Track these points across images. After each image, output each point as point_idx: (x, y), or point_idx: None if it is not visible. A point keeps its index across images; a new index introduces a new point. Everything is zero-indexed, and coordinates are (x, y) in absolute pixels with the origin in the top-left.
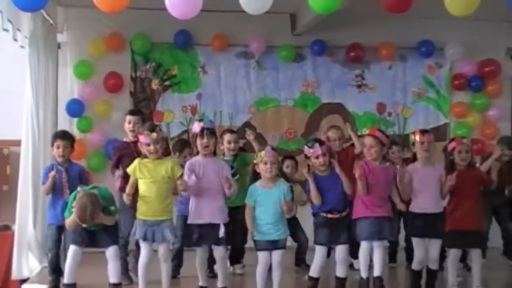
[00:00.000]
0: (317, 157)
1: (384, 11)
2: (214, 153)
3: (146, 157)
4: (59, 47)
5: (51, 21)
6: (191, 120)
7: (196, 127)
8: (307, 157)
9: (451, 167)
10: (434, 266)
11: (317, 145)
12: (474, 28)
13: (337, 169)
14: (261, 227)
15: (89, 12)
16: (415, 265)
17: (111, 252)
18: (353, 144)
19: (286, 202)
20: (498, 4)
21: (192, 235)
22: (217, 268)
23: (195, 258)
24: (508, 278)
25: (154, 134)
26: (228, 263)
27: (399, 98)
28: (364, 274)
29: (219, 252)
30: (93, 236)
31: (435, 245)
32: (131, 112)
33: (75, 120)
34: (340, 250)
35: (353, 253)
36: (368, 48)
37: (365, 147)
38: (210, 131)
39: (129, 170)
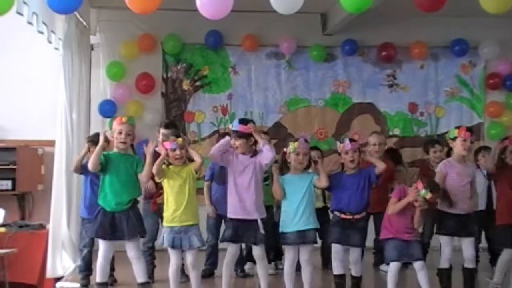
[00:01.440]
0: (346, 153)
1: (417, 9)
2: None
3: (169, 165)
4: (92, 49)
5: (84, 23)
6: (221, 121)
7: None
8: (339, 154)
9: (501, 164)
10: (471, 264)
11: (347, 140)
12: (509, 26)
13: (367, 157)
14: (287, 216)
15: (121, 14)
16: (443, 263)
17: (132, 252)
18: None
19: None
20: None
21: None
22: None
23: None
24: None
25: (180, 140)
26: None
27: (431, 97)
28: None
29: (257, 251)
30: (115, 227)
31: (468, 243)
32: (166, 126)
33: (108, 120)
34: (355, 252)
35: None
36: (399, 47)
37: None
38: (235, 134)
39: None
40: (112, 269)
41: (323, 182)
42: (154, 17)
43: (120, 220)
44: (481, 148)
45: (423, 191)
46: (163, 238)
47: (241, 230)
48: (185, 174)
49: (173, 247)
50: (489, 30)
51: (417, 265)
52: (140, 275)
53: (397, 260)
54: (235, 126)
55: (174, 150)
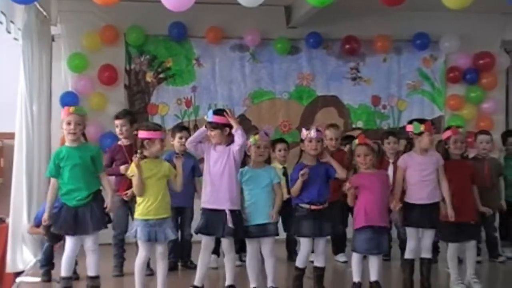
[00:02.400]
0: (310, 141)
1: (380, 3)
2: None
3: (143, 158)
4: (53, 40)
5: (44, 13)
6: (185, 113)
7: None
8: (301, 140)
9: (445, 156)
10: (427, 254)
11: (314, 128)
12: (469, 21)
13: (327, 158)
14: (248, 209)
15: (83, 4)
16: (408, 254)
17: (89, 244)
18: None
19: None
20: None
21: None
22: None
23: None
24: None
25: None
26: None
27: (394, 90)
28: (356, 278)
29: (225, 243)
30: (79, 222)
31: (429, 234)
32: (117, 117)
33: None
34: (321, 242)
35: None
36: (363, 40)
37: (357, 156)
38: (210, 125)
39: (131, 170)
40: (75, 263)
41: (342, 174)
42: (117, 8)
43: (83, 215)
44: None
45: (353, 143)
46: (136, 231)
47: (212, 222)
48: (161, 169)
49: (149, 240)
50: (450, 24)
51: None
52: (91, 268)
53: (364, 253)
54: (210, 117)
55: (162, 141)
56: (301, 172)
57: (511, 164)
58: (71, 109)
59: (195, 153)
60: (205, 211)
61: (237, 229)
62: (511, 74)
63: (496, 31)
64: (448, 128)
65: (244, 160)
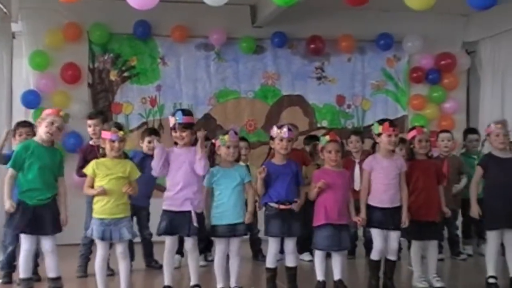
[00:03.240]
0: (281, 140)
1: (344, 3)
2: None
3: (103, 156)
4: (13, 37)
5: (5, 10)
6: (150, 112)
7: (172, 122)
8: (271, 138)
9: (410, 156)
10: (393, 257)
11: (286, 127)
12: (432, 22)
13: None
14: (218, 209)
15: (45, 1)
16: (373, 255)
17: (48, 246)
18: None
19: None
20: None
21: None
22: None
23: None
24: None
25: (121, 132)
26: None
27: (358, 90)
28: (320, 277)
29: (190, 243)
30: (38, 221)
31: (395, 237)
32: (90, 116)
33: (31, 111)
34: (291, 242)
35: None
36: (328, 40)
37: (328, 152)
38: (182, 126)
39: (86, 169)
40: (36, 265)
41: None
42: (79, 5)
43: (42, 215)
44: (401, 141)
45: (322, 139)
46: (92, 229)
47: (176, 222)
48: (120, 170)
49: (103, 239)
50: (413, 25)
51: (338, 253)
52: (51, 270)
53: (325, 249)
54: (180, 118)
55: (113, 141)
56: (258, 170)
57: (471, 161)
58: (61, 113)
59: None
60: (168, 212)
61: (200, 228)
62: (472, 74)
63: (457, 32)
64: (413, 128)
65: (213, 159)
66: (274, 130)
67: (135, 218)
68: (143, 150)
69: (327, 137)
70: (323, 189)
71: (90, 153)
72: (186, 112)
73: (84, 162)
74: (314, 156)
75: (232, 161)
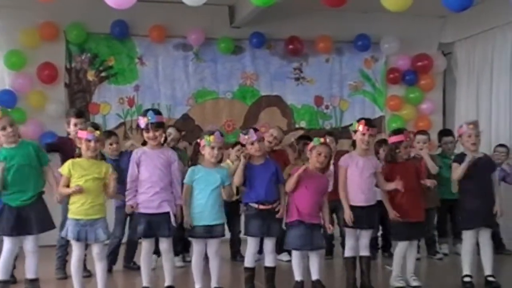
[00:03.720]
0: (252, 143)
1: (322, 4)
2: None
3: (79, 156)
4: None
5: None
6: (128, 112)
7: (142, 123)
8: (243, 145)
9: (392, 159)
10: (366, 252)
11: (251, 131)
12: (408, 23)
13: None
14: (196, 209)
15: (20, 0)
16: (347, 253)
17: (30, 246)
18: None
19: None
20: (431, 0)
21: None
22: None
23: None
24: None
25: (98, 132)
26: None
27: (336, 91)
28: (298, 277)
29: (165, 244)
30: (22, 222)
31: (366, 234)
32: (77, 115)
33: (8, 112)
34: (270, 242)
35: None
36: (306, 41)
37: (317, 154)
38: (155, 125)
39: (62, 169)
40: (13, 267)
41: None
42: (56, 5)
43: (27, 215)
44: (382, 141)
45: (315, 139)
46: (67, 230)
47: (154, 224)
48: (96, 171)
49: (78, 239)
50: (390, 26)
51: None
52: (30, 271)
53: (298, 249)
54: (152, 118)
55: (90, 141)
56: (243, 154)
57: (446, 162)
58: (90, 129)
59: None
60: (145, 215)
61: (179, 228)
62: (448, 75)
63: (433, 33)
64: (400, 132)
65: (196, 158)
66: (242, 137)
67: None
68: (106, 153)
69: (321, 139)
70: (299, 185)
71: (66, 144)
72: (157, 112)
73: (57, 149)
74: (301, 155)
75: (215, 162)
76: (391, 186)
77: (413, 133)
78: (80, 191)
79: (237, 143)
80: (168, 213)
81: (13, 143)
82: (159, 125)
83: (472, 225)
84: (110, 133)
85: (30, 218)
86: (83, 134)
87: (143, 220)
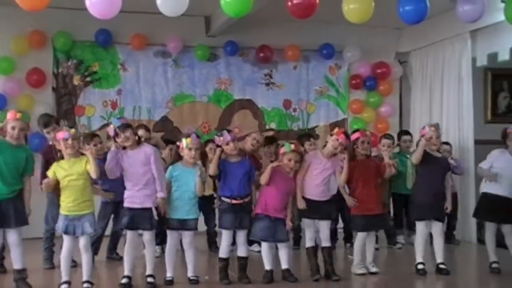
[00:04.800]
0: (227, 144)
1: (290, 16)
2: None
3: (61, 158)
4: None
5: None
6: (111, 114)
7: (110, 131)
8: (218, 145)
9: (353, 156)
10: (327, 243)
11: (225, 132)
12: (369, 34)
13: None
14: (173, 203)
15: (10, 9)
16: (308, 243)
17: (13, 238)
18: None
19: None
20: (389, 13)
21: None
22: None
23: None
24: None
25: (73, 130)
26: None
27: (303, 95)
28: (267, 266)
29: (148, 236)
30: (2, 215)
31: (325, 225)
32: (45, 125)
33: None
34: (242, 234)
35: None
36: (275, 49)
37: (288, 160)
38: (122, 127)
39: (48, 172)
40: (2, 258)
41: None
42: (44, 14)
43: (6, 208)
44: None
45: (286, 146)
46: (58, 224)
47: (137, 218)
48: (78, 169)
49: (66, 232)
50: (352, 37)
51: (283, 245)
52: (17, 262)
53: (261, 239)
54: (116, 123)
55: (66, 139)
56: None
57: (403, 159)
58: (18, 115)
59: (118, 173)
60: (130, 209)
61: (161, 221)
62: (404, 82)
63: (391, 44)
64: (356, 130)
65: (179, 159)
66: (217, 139)
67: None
68: (93, 154)
69: (292, 146)
70: (271, 182)
71: (50, 153)
72: (119, 118)
73: (47, 165)
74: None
75: (193, 162)
76: (346, 197)
77: (379, 135)
78: (50, 183)
79: (209, 140)
80: (150, 208)
81: (13, 142)
82: (126, 126)
83: (424, 217)
84: (93, 135)
85: (9, 212)
86: (59, 135)
87: (127, 213)
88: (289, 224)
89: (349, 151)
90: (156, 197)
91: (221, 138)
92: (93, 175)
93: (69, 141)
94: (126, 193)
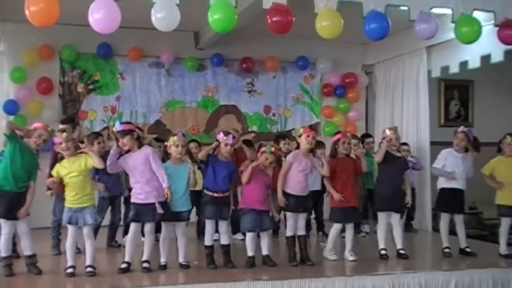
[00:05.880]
0: (226, 145)
1: (270, 31)
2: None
3: (62, 158)
4: None
5: None
6: (111, 118)
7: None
8: (218, 141)
9: (334, 154)
10: (302, 232)
11: (231, 136)
12: (339, 48)
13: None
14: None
15: (23, 26)
16: (288, 233)
17: (23, 228)
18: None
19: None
20: (356, 30)
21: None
22: (145, 241)
23: None
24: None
25: (64, 134)
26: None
27: (281, 101)
28: (250, 253)
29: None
30: (14, 208)
31: (302, 217)
32: (61, 121)
33: (11, 117)
34: (223, 224)
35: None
36: (257, 61)
37: (265, 159)
38: (121, 133)
39: (53, 173)
40: (14, 244)
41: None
42: (52, 30)
43: (15, 201)
44: (318, 142)
45: (267, 147)
46: (64, 215)
47: (142, 212)
48: (78, 165)
49: (69, 223)
50: (324, 50)
51: (265, 233)
52: (27, 249)
53: (251, 230)
54: (118, 127)
55: (61, 143)
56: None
57: (369, 159)
58: (48, 127)
59: (117, 170)
60: (135, 204)
61: (165, 213)
62: (369, 90)
63: (358, 57)
64: (339, 132)
65: (167, 158)
66: (220, 136)
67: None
68: (96, 152)
69: (272, 149)
70: (251, 180)
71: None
72: (123, 122)
73: (55, 159)
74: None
75: (181, 159)
76: (333, 192)
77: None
78: (54, 182)
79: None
80: (153, 203)
81: (33, 147)
82: (125, 133)
83: (384, 208)
84: (97, 134)
85: (19, 206)
86: (56, 139)
87: (133, 208)
88: (276, 215)
89: (332, 149)
90: (163, 189)
91: (225, 138)
92: (99, 165)
93: (64, 145)
94: (133, 190)
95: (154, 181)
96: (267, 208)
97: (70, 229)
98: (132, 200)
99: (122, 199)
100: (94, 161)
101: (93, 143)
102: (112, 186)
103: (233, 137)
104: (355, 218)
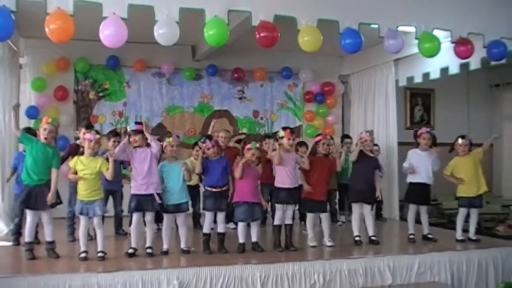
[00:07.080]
0: (208, 149)
1: (258, 45)
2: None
3: (82, 154)
4: (20, 67)
5: (15, 48)
6: (118, 122)
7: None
8: (200, 148)
9: (314, 153)
10: (289, 221)
11: (208, 140)
12: (319, 60)
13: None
14: (168, 192)
15: (43, 42)
16: (276, 222)
17: (45, 218)
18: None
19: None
20: (334, 44)
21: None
22: (147, 230)
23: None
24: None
25: (98, 136)
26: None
27: (268, 107)
28: (241, 240)
29: (149, 217)
30: (36, 199)
31: (290, 208)
32: (86, 126)
33: (32, 121)
34: (220, 215)
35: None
36: (247, 71)
37: (252, 154)
38: (134, 132)
39: (71, 163)
40: (36, 232)
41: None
42: (68, 45)
43: (38, 193)
44: (301, 142)
45: (253, 143)
46: (76, 207)
47: (143, 202)
48: (94, 166)
49: (81, 213)
50: (306, 62)
51: (255, 223)
52: (48, 235)
53: (244, 221)
54: (132, 126)
55: (91, 141)
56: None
57: (346, 157)
58: (49, 119)
59: (124, 159)
60: (137, 196)
61: (162, 204)
62: (345, 97)
63: (335, 68)
64: (320, 134)
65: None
66: (200, 145)
67: (111, 198)
68: (109, 147)
69: (257, 145)
70: (243, 175)
71: (75, 149)
72: (138, 122)
73: (68, 155)
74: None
75: (175, 157)
76: (304, 184)
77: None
78: (77, 179)
79: (196, 143)
80: (152, 194)
81: (44, 141)
82: (138, 132)
83: (357, 199)
84: (116, 133)
85: (42, 197)
86: (87, 135)
87: (135, 199)
88: (265, 204)
89: (312, 149)
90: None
91: (204, 144)
92: (109, 177)
93: (92, 143)
94: (133, 183)
95: (154, 174)
96: (258, 200)
97: (82, 219)
98: (133, 191)
99: (121, 194)
100: (109, 171)
101: (110, 139)
102: (112, 182)
103: (210, 138)
104: (321, 210)
